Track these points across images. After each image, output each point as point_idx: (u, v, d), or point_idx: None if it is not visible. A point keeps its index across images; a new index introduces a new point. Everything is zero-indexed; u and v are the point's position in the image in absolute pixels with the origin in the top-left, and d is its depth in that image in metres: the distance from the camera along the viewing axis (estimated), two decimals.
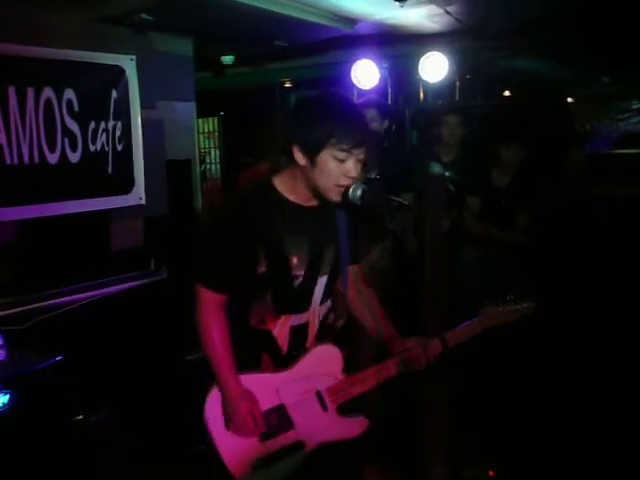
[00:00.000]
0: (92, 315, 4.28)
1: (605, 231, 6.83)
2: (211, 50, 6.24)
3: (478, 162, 4.94)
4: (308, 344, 2.40)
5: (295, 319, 2.36)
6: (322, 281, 2.38)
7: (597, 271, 5.73)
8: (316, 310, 2.40)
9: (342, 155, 2.13)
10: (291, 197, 2.28)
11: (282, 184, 2.30)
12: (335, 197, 2.21)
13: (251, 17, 4.75)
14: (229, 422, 2.29)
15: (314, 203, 2.31)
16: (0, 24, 4.10)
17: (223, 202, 2.53)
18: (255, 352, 2.37)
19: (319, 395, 2.37)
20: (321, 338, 2.43)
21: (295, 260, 2.29)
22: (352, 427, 2.44)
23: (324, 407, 2.37)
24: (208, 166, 9.26)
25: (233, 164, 8.34)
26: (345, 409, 2.41)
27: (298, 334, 2.38)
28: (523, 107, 7.83)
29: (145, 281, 4.84)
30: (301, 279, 2.32)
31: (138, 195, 4.88)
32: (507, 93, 8.59)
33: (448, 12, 5.15)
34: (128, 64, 4.77)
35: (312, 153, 2.15)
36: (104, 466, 3.66)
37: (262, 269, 2.25)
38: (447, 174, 4.36)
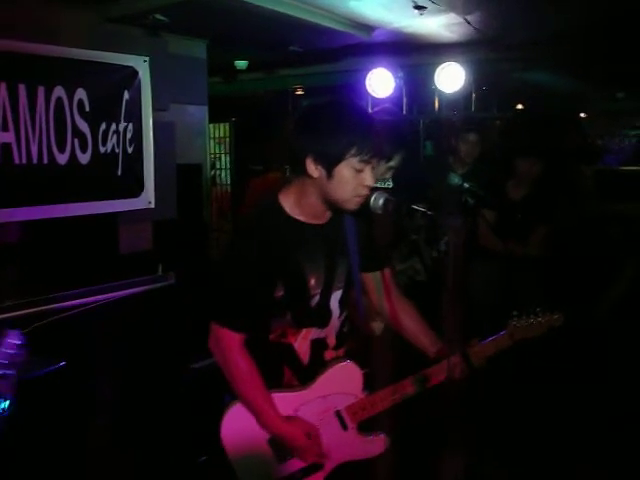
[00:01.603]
0: (97, 319, 4.22)
1: (619, 248, 6.79)
2: (225, 54, 6.20)
3: (494, 175, 4.89)
4: (327, 355, 2.34)
5: (315, 333, 2.30)
6: (336, 295, 2.32)
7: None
8: (335, 322, 2.35)
9: (361, 165, 2.06)
10: (300, 216, 2.20)
11: (289, 202, 2.21)
12: (353, 207, 2.14)
13: (267, 20, 4.69)
14: (289, 453, 2.23)
15: (322, 219, 2.24)
16: (13, 21, 4.06)
17: (234, 234, 2.43)
18: (277, 367, 2.29)
19: (339, 414, 2.30)
20: (338, 348, 2.38)
21: (313, 281, 2.23)
22: (373, 446, 2.37)
23: (344, 426, 2.30)
24: (218, 172, 9.23)
25: (243, 170, 8.30)
26: (365, 427, 2.34)
27: (318, 346, 2.32)
28: (539, 120, 7.80)
29: (152, 286, 4.77)
30: (318, 297, 2.26)
31: (147, 199, 4.81)
32: (521, 106, 8.57)
33: (467, 21, 5.10)
34: (141, 65, 4.71)
35: (330, 165, 2.06)
36: (105, 473, 3.60)
37: (280, 293, 2.19)
38: (466, 185, 4.29)
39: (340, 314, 2.36)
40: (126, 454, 3.83)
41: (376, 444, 2.37)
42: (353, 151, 2.04)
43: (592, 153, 9.16)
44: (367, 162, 2.07)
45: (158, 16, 4.57)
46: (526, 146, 4.73)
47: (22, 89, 4.01)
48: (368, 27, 5.32)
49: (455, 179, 4.36)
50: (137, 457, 3.85)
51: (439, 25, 5.23)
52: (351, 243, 2.29)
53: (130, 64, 4.65)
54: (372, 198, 2.13)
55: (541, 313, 2.40)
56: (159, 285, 4.83)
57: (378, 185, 4.55)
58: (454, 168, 4.88)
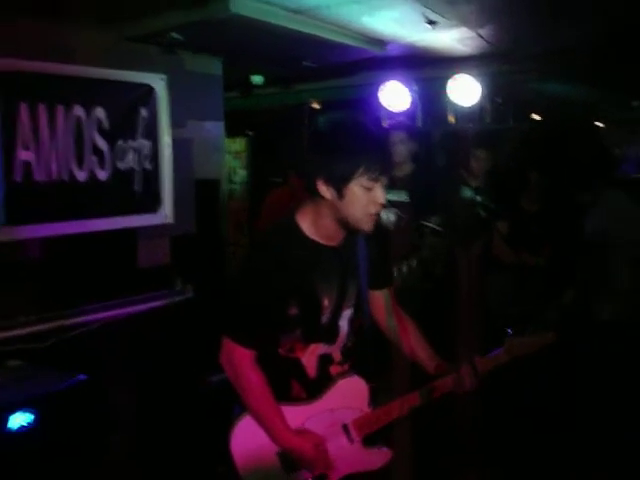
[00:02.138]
0: (116, 333, 4.28)
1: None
2: (240, 70, 6.25)
3: (507, 187, 4.90)
4: (332, 370, 2.39)
5: (323, 348, 2.36)
6: (346, 314, 2.38)
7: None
8: (342, 339, 2.40)
9: (370, 184, 2.10)
10: (316, 237, 2.26)
11: (305, 222, 2.26)
12: (367, 227, 2.19)
13: (281, 37, 4.73)
14: (297, 465, 2.27)
15: (336, 241, 2.29)
16: (32, 42, 4.14)
17: (251, 249, 2.48)
18: (285, 380, 2.35)
19: (345, 428, 2.34)
20: (343, 363, 2.43)
21: (326, 301, 2.29)
22: (376, 458, 2.42)
23: (350, 440, 2.35)
24: (235, 186, 9.28)
25: (261, 184, 8.34)
26: (369, 440, 2.39)
27: (325, 361, 2.38)
28: (554, 131, 7.78)
29: (170, 300, 4.83)
30: (329, 315, 2.32)
31: (165, 214, 4.89)
32: (537, 117, 8.55)
33: (480, 35, 5.11)
34: (158, 83, 4.80)
35: (340, 185, 2.11)
36: None
37: (293, 311, 2.24)
38: (478, 199, 4.32)
39: (348, 331, 2.40)
40: (144, 466, 3.88)
41: (379, 456, 2.42)
42: (361, 170, 2.08)
43: (610, 162, 9.12)
44: (376, 180, 2.11)
45: (174, 35, 4.63)
46: (539, 157, 4.75)
47: (42, 109, 4.12)
48: (381, 42, 5.34)
49: (468, 193, 4.39)
50: (155, 469, 3.90)
51: (452, 39, 5.24)
52: (362, 264, 2.34)
53: (147, 82, 4.76)
54: (383, 215, 2.17)
55: (535, 331, 2.49)
56: (177, 299, 4.90)
57: (395, 199, 4.63)
58: (467, 181, 4.91)
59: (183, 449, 4.02)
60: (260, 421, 2.25)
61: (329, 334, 2.35)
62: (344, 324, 2.38)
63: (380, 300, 2.54)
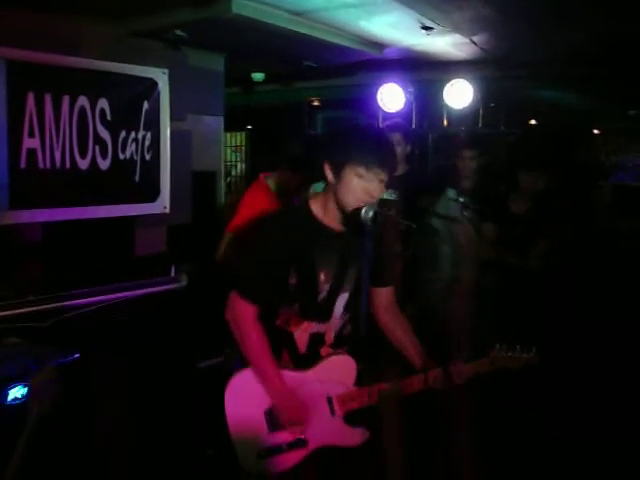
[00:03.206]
0: (112, 316, 4.39)
1: (627, 264, 6.84)
2: (242, 67, 6.39)
3: (496, 188, 4.98)
4: (323, 351, 2.59)
5: (316, 327, 2.56)
6: (343, 297, 2.57)
7: (614, 303, 5.74)
8: (335, 322, 2.59)
9: (363, 171, 2.33)
10: (323, 218, 2.50)
11: (317, 207, 2.52)
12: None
13: (282, 38, 4.88)
14: (278, 416, 2.47)
15: (342, 227, 2.51)
16: (41, 34, 4.27)
17: (264, 220, 2.72)
18: (278, 349, 2.55)
19: (329, 400, 2.53)
20: (335, 347, 2.61)
21: (322, 276, 2.50)
22: (354, 436, 2.58)
23: (332, 412, 2.53)
24: (234, 179, 9.41)
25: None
26: (351, 419, 2.56)
27: (316, 340, 2.58)
28: (547, 135, 7.87)
29: (165, 287, 4.95)
30: (325, 293, 2.53)
31: (163, 204, 5.03)
32: (533, 122, 8.65)
33: (473, 42, 5.24)
34: (161, 77, 4.94)
35: (338, 168, 2.37)
36: (112, 468, 3.75)
37: (293, 281, 2.46)
38: (461, 200, 4.42)
39: (342, 315, 2.60)
40: (133, 447, 3.98)
41: (357, 435, 2.58)
42: (355, 155, 2.33)
43: (601, 169, 9.23)
44: (369, 169, 2.33)
45: (178, 32, 4.79)
46: (529, 160, 4.80)
47: (48, 98, 4.25)
48: (379, 45, 5.49)
49: (451, 193, 4.49)
50: (144, 450, 3.99)
51: (447, 44, 5.38)
52: (365, 255, 2.50)
53: (150, 76, 4.89)
54: (363, 210, 2.34)
55: (521, 350, 2.65)
56: (172, 286, 5.02)
57: (385, 196, 4.75)
58: (457, 182, 5.01)
59: (173, 432, 4.13)
60: (259, 372, 2.46)
61: (323, 312, 2.56)
62: (339, 306, 2.57)
63: (381, 296, 2.75)
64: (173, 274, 5.05)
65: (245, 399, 2.48)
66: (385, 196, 4.68)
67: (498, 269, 4.54)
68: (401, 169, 4.92)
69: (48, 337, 3.81)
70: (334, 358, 2.56)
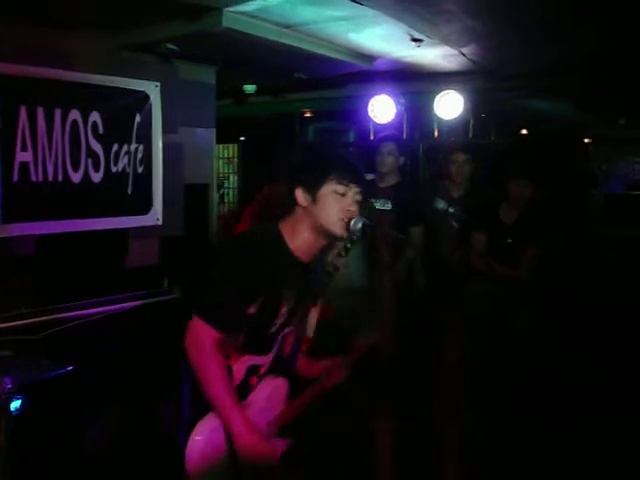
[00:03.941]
0: (105, 329, 4.40)
1: (615, 272, 6.90)
2: (234, 79, 6.42)
3: (486, 198, 5.01)
4: (252, 380, 2.50)
5: (255, 360, 2.48)
6: (286, 331, 2.52)
7: (602, 312, 5.80)
8: (274, 354, 2.53)
9: (342, 189, 2.34)
10: (292, 246, 2.42)
11: (286, 230, 2.44)
12: (340, 231, 2.38)
13: (273, 51, 4.91)
14: (244, 453, 2.28)
15: (308, 258, 2.46)
16: (33, 48, 4.28)
17: (234, 243, 2.63)
18: None
19: (268, 426, 2.47)
20: (266, 375, 2.54)
21: (284, 310, 2.44)
22: (277, 448, 2.46)
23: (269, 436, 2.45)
24: (226, 191, 9.43)
25: (250, 189, 8.49)
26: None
27: (251, 372, 2.49)
28: (536, 144, 7.93)
29: (158, 299, 4.97)
30: (276, 327, 2.46)
31: (155, 216, 5.04)
32: (524, 131, 8.72)
33: (463, 53, 5.29)
34: (152, 90, 4.96)
35: (314, 189, 2.35)
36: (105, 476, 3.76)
37: (252, 310, 2.36)
38: (451, 210, 4.46)
39: (279, 347, 2.54)
40: (126, 459, 3.97)
41: (277, 446, 2.45)
42: (333, 175, 2.33)
43: (592, 177, 9.30)
44: (347, 186, 2.34)
45: (169, 45, 4.82)
46: (519, 169, 4.84)
47: (40, 112, 4.26)
48: (369, 57, 5.52)
49: (440, 204, 4.54)
50: (136, 462, 3.99)
51: (436, 56, 5.42)
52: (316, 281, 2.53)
53: (142, 89, 4.91)
54: (352, 222, 2.37)
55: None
56: (165, 298, 5.04)
57: (378, 207, 4.79)
58: (450, 192, 5.05)
59: (163, 444, 4.12)
60: (216, 402, 2.27)
61: (266, 346, 2.48)
62: (280, 338, 2.51)
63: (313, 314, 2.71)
64: (166, 286, 5.08)
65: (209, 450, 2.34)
66: (378, 206, 4.78)
67: (487, 279, 4.58)
68: (394, 179, 4.98)
69: (40, 350, 3.83)
70: (264, 383, 2.51)
